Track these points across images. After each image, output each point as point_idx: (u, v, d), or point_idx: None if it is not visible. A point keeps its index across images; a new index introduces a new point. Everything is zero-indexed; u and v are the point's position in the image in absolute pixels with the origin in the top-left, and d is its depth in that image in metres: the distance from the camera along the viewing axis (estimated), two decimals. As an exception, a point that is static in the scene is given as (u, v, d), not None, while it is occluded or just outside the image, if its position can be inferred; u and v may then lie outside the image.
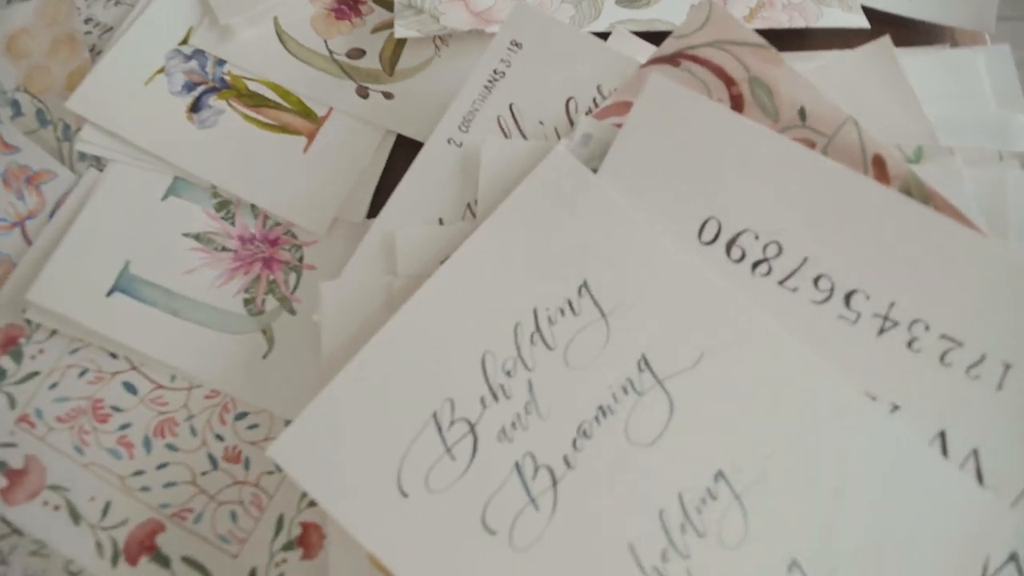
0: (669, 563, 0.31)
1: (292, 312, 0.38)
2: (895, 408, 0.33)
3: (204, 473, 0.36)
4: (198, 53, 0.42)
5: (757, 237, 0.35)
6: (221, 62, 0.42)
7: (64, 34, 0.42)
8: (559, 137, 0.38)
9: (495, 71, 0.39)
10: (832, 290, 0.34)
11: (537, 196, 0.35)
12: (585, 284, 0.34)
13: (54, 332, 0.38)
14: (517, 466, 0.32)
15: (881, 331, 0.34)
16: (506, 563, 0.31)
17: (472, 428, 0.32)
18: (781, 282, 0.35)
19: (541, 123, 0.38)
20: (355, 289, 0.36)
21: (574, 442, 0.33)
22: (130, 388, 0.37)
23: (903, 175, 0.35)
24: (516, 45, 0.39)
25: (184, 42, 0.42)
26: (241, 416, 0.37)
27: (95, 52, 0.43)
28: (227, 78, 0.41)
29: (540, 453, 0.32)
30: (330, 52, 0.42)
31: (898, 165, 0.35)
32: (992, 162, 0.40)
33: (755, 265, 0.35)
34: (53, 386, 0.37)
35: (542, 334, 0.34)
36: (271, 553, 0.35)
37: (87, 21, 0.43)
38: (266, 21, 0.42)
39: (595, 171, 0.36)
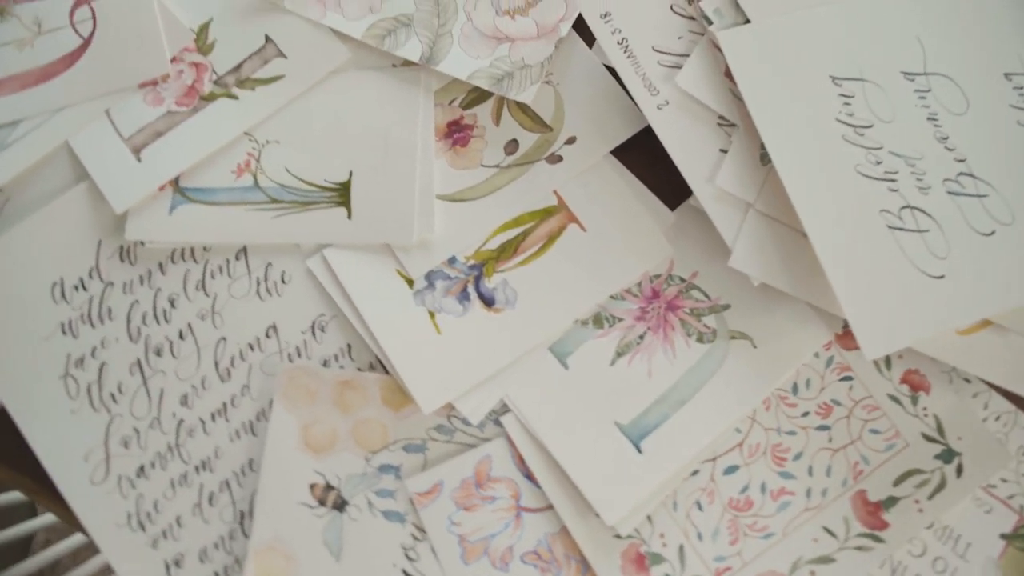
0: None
1: (727, 307, 0.41)
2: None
3: (830, 437, 0.40)
4: (432, 274, 0.40)
5: None
6: (452, 259, 0.41)
7: (332, 390, 0.38)
8: (700, 34, 0.43)
9: (619, 43, 0.42)
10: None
11: (752, 69, 0.41)
12: (833, 77, 0.42)
13: (649, 517, 0.38)
14: (950, 193, 0.41)
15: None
16: (976, 246, 0.40)
17: (908, 205, 0.40)
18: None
19: (680, 38, 0.43)
20: (752, 240, 0.41)
21: (948, 151, 0.41)
22: (730, 470, 0.39)
23: None
24: (607, 16, 0.43)
25: (410, 284, 0.40)
26: (795, 389, 0.41)
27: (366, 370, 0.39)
28: (471, 262, 0.41)
29: (946, 174, 0.41)
30: (496, 166, 0.42)
31: None
32: None
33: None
34: (699, 537, 0.38)
35: (855, 126, 0.41)
36: (917, 415, 0.40)
37: (325, 363, 0.39)
38: (432, 204, 0.41)
39: (748, 22, 0.43)
